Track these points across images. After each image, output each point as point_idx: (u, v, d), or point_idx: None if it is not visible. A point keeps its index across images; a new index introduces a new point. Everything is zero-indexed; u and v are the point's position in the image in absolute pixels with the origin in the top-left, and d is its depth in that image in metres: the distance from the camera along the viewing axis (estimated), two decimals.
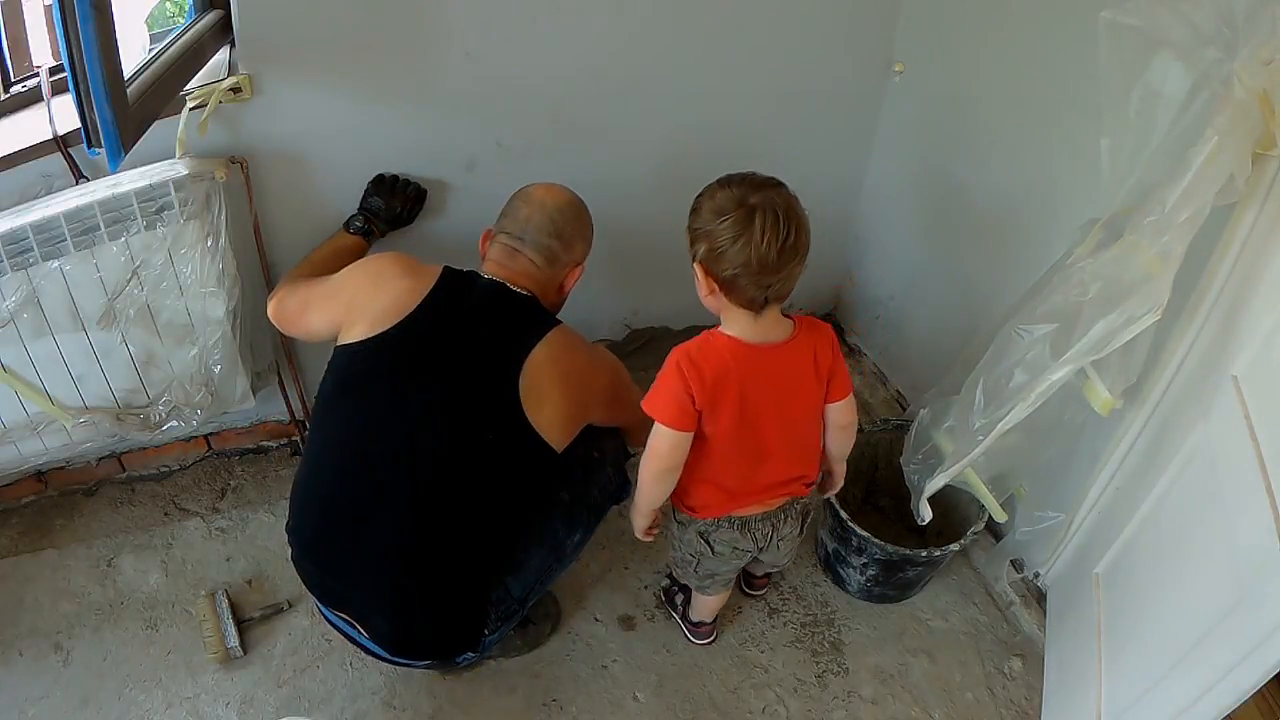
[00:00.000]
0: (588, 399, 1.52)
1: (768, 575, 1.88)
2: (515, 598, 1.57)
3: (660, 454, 1.36)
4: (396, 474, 1.42)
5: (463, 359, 1.44)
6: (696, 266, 1.31)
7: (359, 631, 1.51)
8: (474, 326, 1.47)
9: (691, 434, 1.35)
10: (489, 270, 1.53)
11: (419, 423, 1.43)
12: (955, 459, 1.53)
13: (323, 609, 1.57)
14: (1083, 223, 1.45)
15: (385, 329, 1.44)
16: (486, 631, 1.54)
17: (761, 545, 1.54)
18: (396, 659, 1.56)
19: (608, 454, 1.66)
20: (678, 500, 1.51)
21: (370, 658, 1.73)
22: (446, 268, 1.52)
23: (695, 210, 1.32)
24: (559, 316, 1.58)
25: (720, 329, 1.36)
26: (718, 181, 1.32)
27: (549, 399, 1.44)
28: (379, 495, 1.42)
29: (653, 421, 1.36)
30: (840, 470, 1.59)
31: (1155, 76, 1.21)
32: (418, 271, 1.50)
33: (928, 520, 1.65)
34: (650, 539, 1.56)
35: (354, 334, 1.46)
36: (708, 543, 1.53)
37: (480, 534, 1.47)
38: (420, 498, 1.42)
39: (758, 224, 1.22)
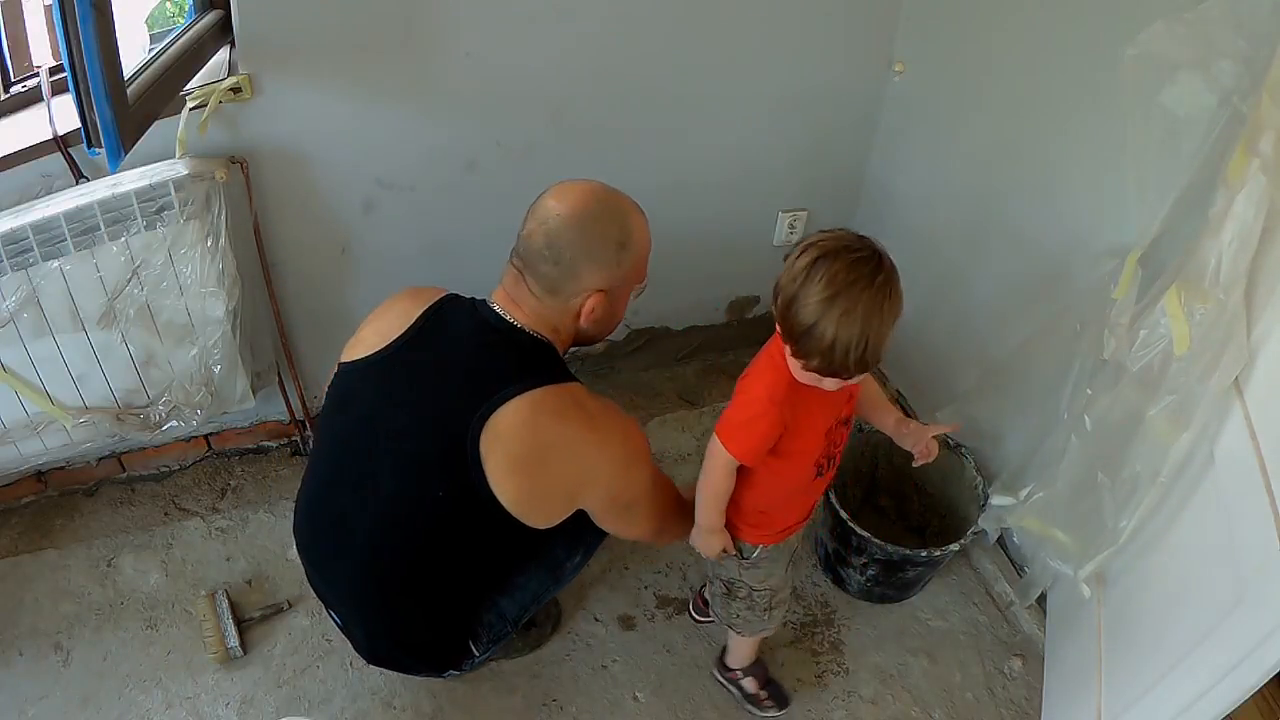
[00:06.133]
0: (552, 487, 1.29)
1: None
2: (509, 619, 1.51)
3: None
4: (357, 507, 1.35)
5: (428, 401, 1.29)
6: None
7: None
8: (449, 365, 1.31)
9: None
10: (497, 298, 1.34)
11: (379, 460, 1.32)
12: (1097, 549, 1.47)
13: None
14: (1102, 249, 1.43)
15: (370, 354, 1.34)
16: (476, 652, 1.51)
17: None
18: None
19: None
20: None
21: None
22: (448, 295, 1.38)
23: None
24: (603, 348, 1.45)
25: None
26: None
27: (507, 474, 1.24)
28: (344, 523, 1.37)
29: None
30: None
31: (1177, 100, 1.20)
32: (418, 297, 1.37)
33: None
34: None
35: (350, 353, 1.39)
36: None
37: (447, 572, 1.38)
38: (372, 537, 1.34)
39: None
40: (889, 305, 1.12)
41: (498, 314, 1.33)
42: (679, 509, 1.50)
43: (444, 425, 1.25)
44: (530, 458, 1.25)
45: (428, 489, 1.28)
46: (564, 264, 1.28)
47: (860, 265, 1.12)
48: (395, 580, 1.37)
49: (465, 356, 1.31)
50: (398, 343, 1.33)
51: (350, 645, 1.57)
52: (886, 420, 1.47)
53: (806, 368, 1.16)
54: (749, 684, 1.69)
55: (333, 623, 1.59)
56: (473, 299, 1.38)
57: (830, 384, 1.18)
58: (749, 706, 1.71)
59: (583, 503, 1.33)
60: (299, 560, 1.54)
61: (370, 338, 1.36)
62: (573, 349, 1.42)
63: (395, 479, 1.31)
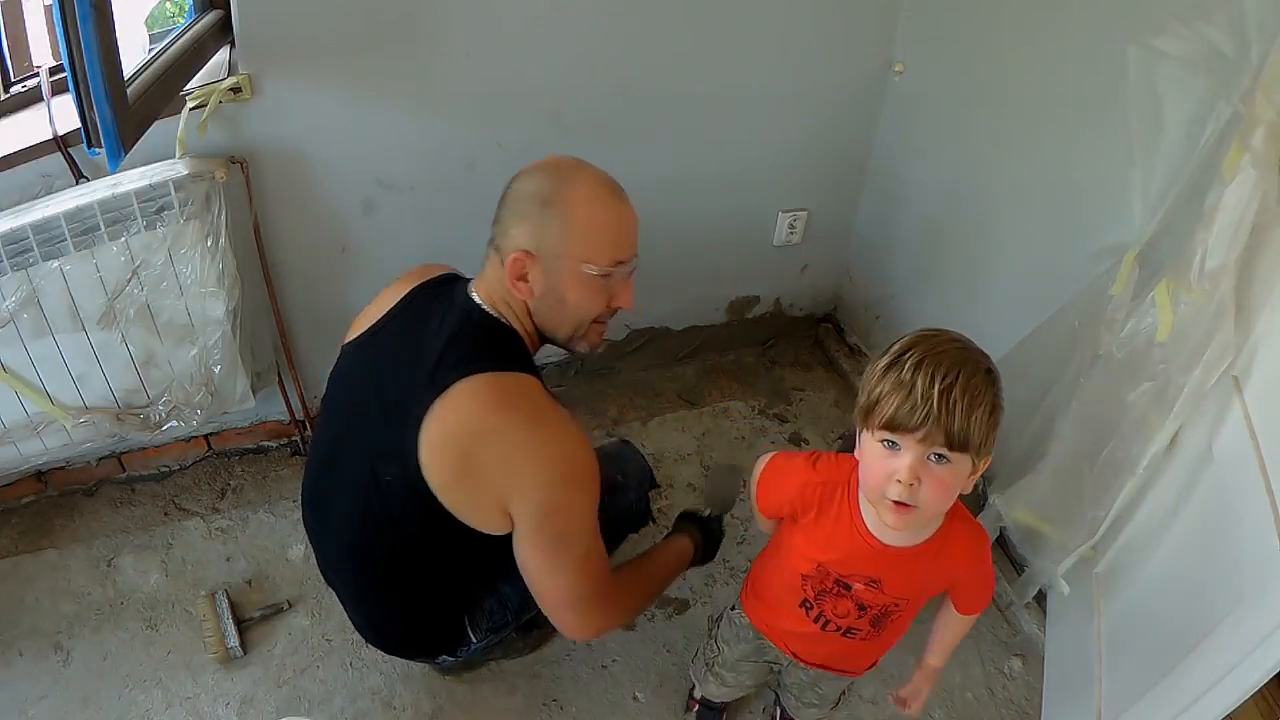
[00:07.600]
0: (479, 479, 1.18)
1: None
2: (512, 608, 1.50)
3: None
4: (334, 490, 1.36)
5: (389, 384, 1.26)
6: None
7: None
8: (411, 347, 1.27)
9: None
10: (476, 280, 1.35)
11: (350, 444, 1.32)
12: (1077, 541, 1.49)
13: None
14: (1103, 247, 1.44)
15: (355, 336, 1.39)
16: (474, 639, 1.51)
17: None
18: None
19: (631, 479, 1.56)
20: None
21: (370, 654, 1.74)
22: (445, 275, 1.40)
23: None
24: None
25: None
26: None
27: (436, 458, 1.18)
28: (327, 506, 1.40)
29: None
30: None
31: (1176, 99, 1.21)
32: (412, 276, 1.39)
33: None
34: None
35: (352, 330, 1.43)
36: None
37: (425, 557, 1.33)
38: (348, 520, 1.34)
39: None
40: (981, 381, 0.99)
41: (467, 295, 1.31)
42: (611, 592, 1.32)
43: (396, 409, 1.21)
44: (459, 444, 1.17)
45: (380, 474, 1.24)
46: (499, 218, 1.28)
47: (952, 341, 1.02)
48: (375, 561, 1.38)
49: (427, 339, 1.26)
50: (379, 324, 1.35)
51: (350, 643, 1.58)
52: (924, 658, 1.42)
53: (869, 426, 1.01)
54: (697, 690, 1.67)
55: (334, 619, 1.60)
56: (462, 279, 1.39)
57: (889, 463, 1.00)
58: (684, 711, 1.71)
59: (513, 509, 1.20)
60: (299, 560, 1.55)
61: (360, 321, 1.40)
62: (565, 354, 1.39)
63: (359, 464, 1.29)
